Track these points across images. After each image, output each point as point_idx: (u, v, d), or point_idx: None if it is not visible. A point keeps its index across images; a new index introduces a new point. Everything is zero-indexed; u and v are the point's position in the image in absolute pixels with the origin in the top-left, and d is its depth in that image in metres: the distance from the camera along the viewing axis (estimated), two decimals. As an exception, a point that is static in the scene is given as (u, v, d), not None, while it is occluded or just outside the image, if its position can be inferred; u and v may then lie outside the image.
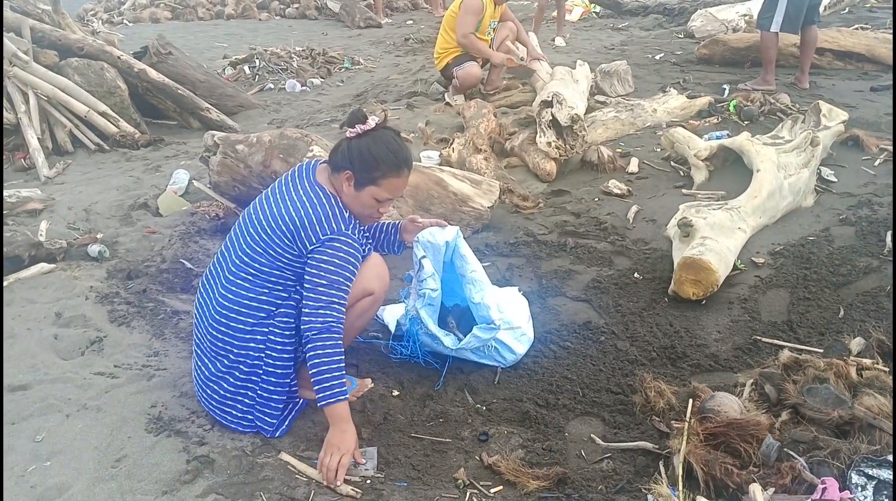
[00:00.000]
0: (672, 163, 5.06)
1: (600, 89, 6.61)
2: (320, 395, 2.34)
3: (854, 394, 2.39)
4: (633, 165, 5.08)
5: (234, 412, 2.55)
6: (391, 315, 3.34)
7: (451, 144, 5.11)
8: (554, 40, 9.27)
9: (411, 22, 12.53)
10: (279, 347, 2.50)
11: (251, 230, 2.48)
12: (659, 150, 5.28)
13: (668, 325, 3.33)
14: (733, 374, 2.92)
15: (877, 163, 4.73)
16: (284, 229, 2.40)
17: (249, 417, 2.55)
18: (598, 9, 11.79)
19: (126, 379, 2.81)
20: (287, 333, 2.51)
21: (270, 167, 4.28)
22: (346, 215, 2.48)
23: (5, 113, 5.60)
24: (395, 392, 2.92)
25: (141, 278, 3.69)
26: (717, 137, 5.08)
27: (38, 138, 5.58)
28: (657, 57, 8.16)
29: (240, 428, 2.56)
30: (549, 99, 5.06)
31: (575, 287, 3.69)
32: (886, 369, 2.55)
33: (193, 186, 4.79)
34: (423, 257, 2.88)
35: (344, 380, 2.37)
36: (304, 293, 2.41)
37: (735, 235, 3.75)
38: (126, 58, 6.41)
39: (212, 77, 7.32)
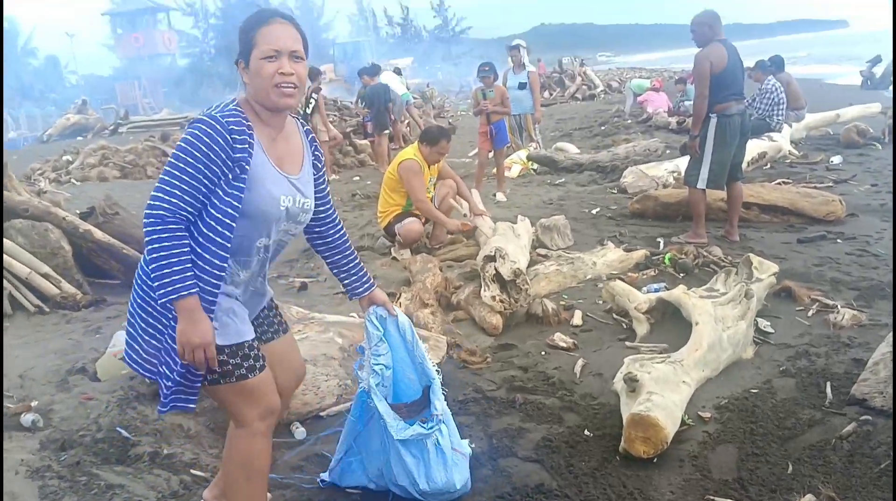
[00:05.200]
0: (614, 315, 5.18)
1: (541, 243, 6.83)
2: (161, 291, 2.21)
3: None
4: (577, 318, 5.18)
5: (140, 351, 2.44)
6: None
7: (398, 298, 5.15)
8: (495, 196, 9.63)
9: (358, 178, 12.91)
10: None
11: None
12: (601, 302, 5.41)
13: (622, 486, 3.28)
14: (689, 536, 2.87)
15: (810, 313, 4.91)
16: None
17: (154, 361, 2.42)
18: (535, 166, 12.36)
19: (52, 566, 2.62)
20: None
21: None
22: (236, 110, 2.40)
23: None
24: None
25: (75, 448, 3.51)
26: (655, 290, 5.24)
27: (-25, 301, 5.45)
28: (593, 211, 8.51)
29: (143, 372, 2.45)
30: (492, 254, 5.20)
31: (526, 446, 3.64)
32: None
33: (134, 348, 4.67)
34: (382, 334, 2.90)
35: (189, 274, 2.23)
36: None
37: (680, 388, 3.79)
38: (71, 219, 6.41)
39: (158, 235, 7.33)
